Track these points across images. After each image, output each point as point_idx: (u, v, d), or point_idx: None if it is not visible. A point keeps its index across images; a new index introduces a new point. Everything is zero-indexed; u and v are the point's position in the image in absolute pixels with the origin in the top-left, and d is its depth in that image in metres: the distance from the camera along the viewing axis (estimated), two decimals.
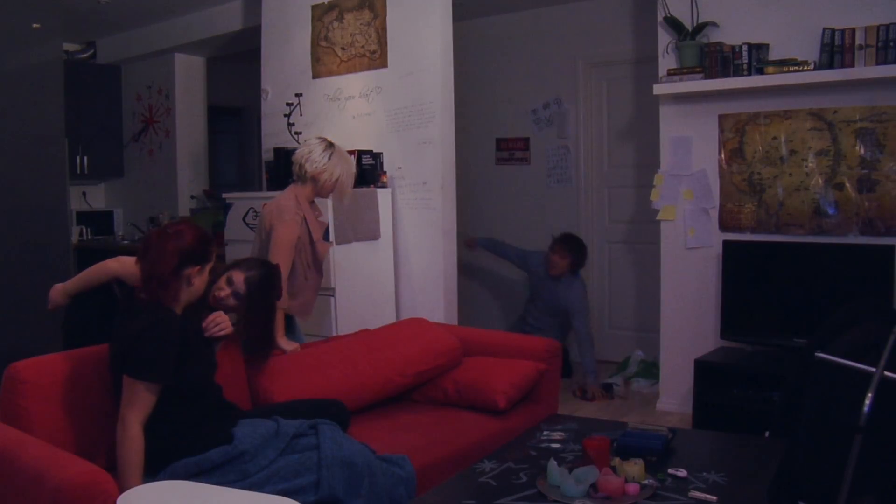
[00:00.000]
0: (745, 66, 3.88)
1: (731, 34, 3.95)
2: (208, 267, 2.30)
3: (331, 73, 4.64)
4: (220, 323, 2.40)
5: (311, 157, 3.25)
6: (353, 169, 3.46)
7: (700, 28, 4.03)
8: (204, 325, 2.35)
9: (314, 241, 3.28)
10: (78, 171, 6.18)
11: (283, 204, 3.23)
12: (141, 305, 2.17)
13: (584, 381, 4.71)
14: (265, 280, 2.71)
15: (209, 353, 2.34)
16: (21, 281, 3.99)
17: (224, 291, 2.65)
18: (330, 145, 3.30)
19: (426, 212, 4.28)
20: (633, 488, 2.01)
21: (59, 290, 2.77)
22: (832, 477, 2.23)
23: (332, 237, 3.92)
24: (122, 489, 1.88)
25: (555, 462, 2.11)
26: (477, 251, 5.50)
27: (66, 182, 4.25)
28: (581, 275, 4.98)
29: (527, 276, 5.29)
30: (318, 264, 3.33)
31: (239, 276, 2.67)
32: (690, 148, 4.16)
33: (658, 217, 4.29)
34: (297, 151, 3.34)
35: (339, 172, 3.28)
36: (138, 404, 2.06)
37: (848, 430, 2.18)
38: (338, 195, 3.40)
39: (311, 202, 3.36)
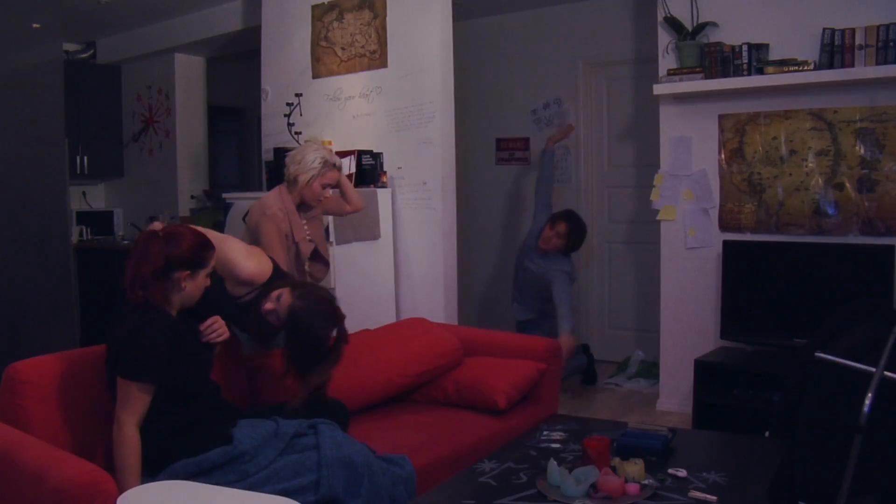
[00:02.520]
0: (745, 66, 3.88)
1: (731, 34, 3.96)
2: (203, 272, 2.27)
3: (331, 73, 4.64)
4: (216, 329, 2.35)
5: (296, 158, 3.23)
6: (330, 172, 3.27)
7: (700, 28, 4.03)
8: (202, 328, 2.33)
9: (297, 242, 3.27)
10: (78, 171, 6.18)
11: (265, 200, 3.25)
12: (132, 306, 2.17)
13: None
14: (307, 318, 2.48)
15: (205, 353, 2.33)
16: (21, 281, 3.99)
17: (269, 304, 2.52)
18: (317, 149, 3.26)
19: (426, 212, 4.28)
20: (633, 488, 2.01)
21: None
22: (832, 477, 2.22)
23: (331, 237, 3.92)
24: (120, 490, 1.88)
25: (555, 462, 2.10)
26: (547, 152, 4.97)
27: (66, 182, 4.25)
28: (572, 257, 4.73)
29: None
30: (300, 265, 3.30)
31: (287, 299, 2.50)
32: (690, 148, 4.16)
33: (658, 217, 4.29)
34: (286, 160, 3.29)
35: (316, 171, 3.21)
36: (132, 405, 2.07)
37: (848, 430, 2.18)
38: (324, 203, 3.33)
39: (300, 206, 3.31)
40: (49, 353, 2.36)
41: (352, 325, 3.82)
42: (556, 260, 4.65)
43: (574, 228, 4.63)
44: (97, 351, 2.35)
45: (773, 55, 3.85)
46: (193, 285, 2.25)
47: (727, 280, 3.98)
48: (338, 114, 4.62)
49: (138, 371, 2.07)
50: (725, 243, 3.99)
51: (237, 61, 6.50)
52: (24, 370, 2.23)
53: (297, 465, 2.19)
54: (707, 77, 3.97)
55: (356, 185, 4.15)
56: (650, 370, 4.89)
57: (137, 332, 2.10)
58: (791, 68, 3.73)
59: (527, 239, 4.91)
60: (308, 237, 3.34)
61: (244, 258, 2.69)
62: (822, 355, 2.34)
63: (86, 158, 6.27)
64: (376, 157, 4.30)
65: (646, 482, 2.06)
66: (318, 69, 4.70)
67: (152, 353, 2.09)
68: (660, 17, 4.19)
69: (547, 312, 4.78)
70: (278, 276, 2.74)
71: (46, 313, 4.11)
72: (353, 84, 4.55)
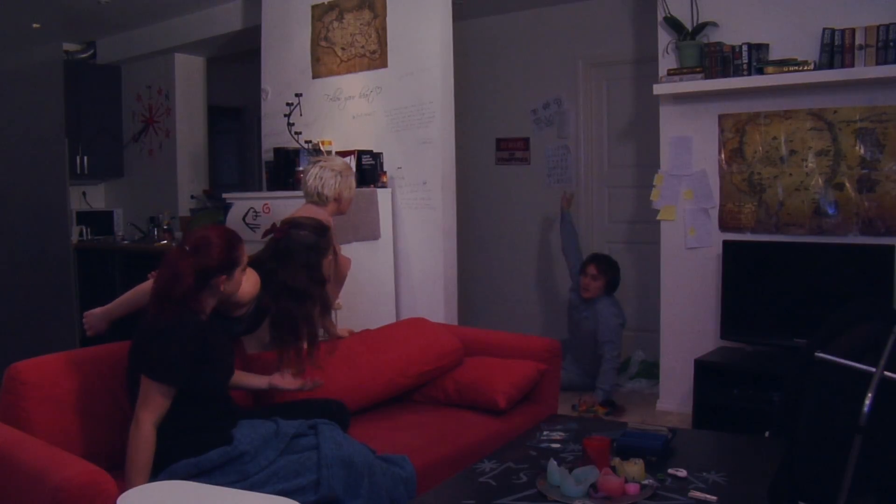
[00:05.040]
0: (745, 66, 3.88)
1: (731, 34, 3.95)
2: (238, 269, 2.31)
3: (331, 73, 4.64)
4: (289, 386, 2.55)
5: (326, 182, 3.34)
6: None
7: (700, 28, 4.03)
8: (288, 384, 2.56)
9: (336, 253, 3.27)
10: (78, 171, 6.18)
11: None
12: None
13: (590, 394, 4.42)
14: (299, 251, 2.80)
15: (228, 360, 2.34)
16: (21, 281, 4.00)
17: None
18: (329, 167, 3.37)
19: (426, 212, 4.28)
20: (633, 488, 2.01)
21: (98, 316, 2.54)
22: (832, 477, 2.22)
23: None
24: (128, 488, 1.88)
25: (555, 462, 2.10)
26: (564, 215, 5.00)
27: (66, 182, 4.26)
28: (615, 296, 4.68)
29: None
30: (340, 279, 3.33)
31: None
32: (690, 148, 4.16)
33: (658, 217, 4.29)
34: (310, 184, 3.36)
35: (353, 184, 3.47)
36: (151, 405, 2.07)
37: (848, 430, 2.18)
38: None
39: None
40: (49, 353, 2.36)
41: (352, 326, 3.84)
42: (605, 305, 4.56)
43: (603, 264, 4.63)
44: (97, 351, 2.35)
45: (773, 55, 3.85)
46: (231, 284, 2.31)
47: (727, 280, 3.98)
48: (338, 114, 4.62)
49: (162, 372, 2.08)
50: (725, 243, 3.99)
51: (237, 61, 6.50)
52: (25, 370, 2.23)
53: (297, 466, 2.20)
54: (707, 77, 3.97)
55: (356, 185, 4.15)
56: (650, 370, 4.89)
57: (167, 333, 2.10)
58: (791, 68, 3.72)
59: (569, 308, 4.86)
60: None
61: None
62: (822, 355, 2.34)
63: (86, 158, 6.27)
64: (376, 156, 4.30)
65: (646, 482, 2.06)
66: (318, 69, 4.70)
67: (178, 355, 2.09)
68: (660, 17, 4.19)
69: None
70: (265, 278, 2.70)
71: (46, 313, 4.11)
72: (353, 84, 4.55)
